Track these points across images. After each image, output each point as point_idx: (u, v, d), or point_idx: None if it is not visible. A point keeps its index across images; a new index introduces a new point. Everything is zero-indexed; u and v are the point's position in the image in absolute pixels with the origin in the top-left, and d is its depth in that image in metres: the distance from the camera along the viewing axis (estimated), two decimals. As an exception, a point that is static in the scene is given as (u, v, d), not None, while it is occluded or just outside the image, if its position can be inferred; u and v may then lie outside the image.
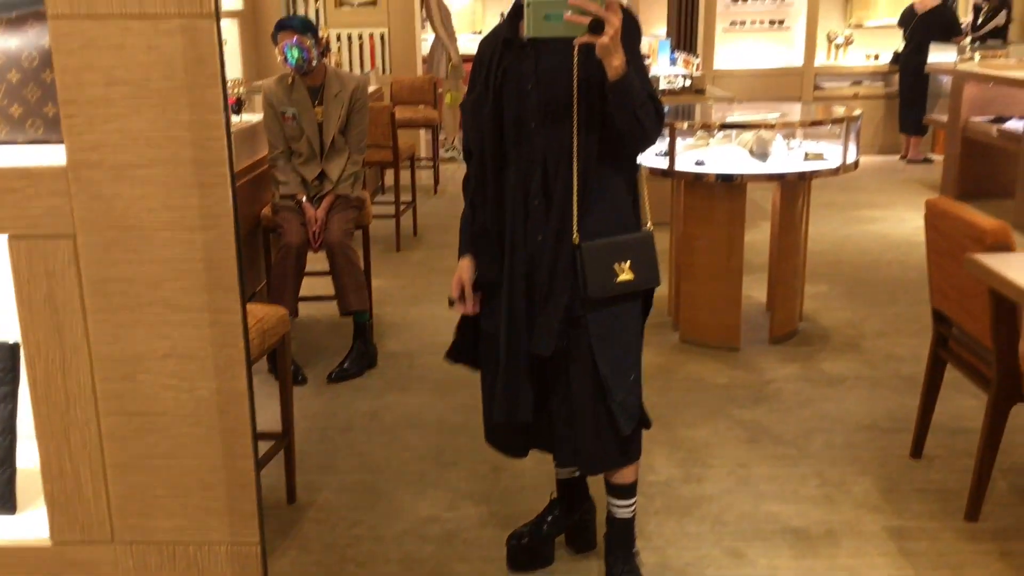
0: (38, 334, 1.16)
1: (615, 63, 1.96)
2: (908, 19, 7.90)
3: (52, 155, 1.17)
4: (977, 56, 6.91)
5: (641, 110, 2.03)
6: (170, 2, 1.01)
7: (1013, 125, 6.14)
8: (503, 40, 2.19)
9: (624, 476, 2.37)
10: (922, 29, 7.72)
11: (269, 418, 3.29)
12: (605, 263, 2.15)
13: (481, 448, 3.16)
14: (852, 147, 3.98)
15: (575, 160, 2.11)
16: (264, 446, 2.90)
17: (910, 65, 7.82)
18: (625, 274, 2.16)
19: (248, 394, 1.14)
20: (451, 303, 2.44)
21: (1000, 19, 7.78)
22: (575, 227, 2.14)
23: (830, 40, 8.50)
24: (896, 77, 8.22)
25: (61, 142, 1.20)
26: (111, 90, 1.05)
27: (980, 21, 7.83)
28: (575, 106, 2.09)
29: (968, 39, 7.80)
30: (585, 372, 2.20)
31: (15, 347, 1.27)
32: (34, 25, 1.26)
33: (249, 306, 2.83)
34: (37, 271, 1.14)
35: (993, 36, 7.79)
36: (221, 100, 1.04)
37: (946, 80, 7.19)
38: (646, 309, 2.32)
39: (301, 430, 3.33)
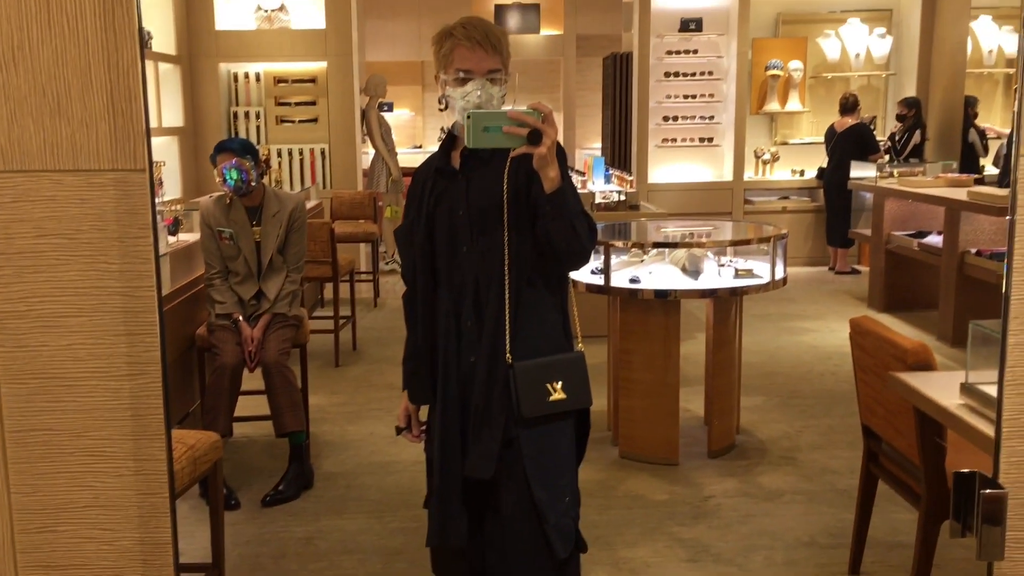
0: (-45, 485, 1.12)
1: (551, 174, 2.02)
2: (829, 137, 8.30)
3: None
4: (896, 173, 7.26)
5: (577, 221, 2.08)
6: (103, 158, 1.04)
7: (932, 240, 6.42)
8: (435, 169, 2.27)
9: None
10: (841, 147, 8.10)
11: (199, 547, 3.19)
12: (538, 383, 2.16)
13: (422, 573, 3.10)
14: (780, 264, 4.12)
15: (507, 280, 2.16)
16: (194, 578, 2.81)
17: (833, 180, 8.18)
18: (557, 394, 2.18)
19: (173, 544, 1.12)
20: (399, 431, 2.48)
21: (916, 138, 8.22)
22: (507, 347, 2.17)
23: (757, 156, 8.86)
24: (821, 192, 8.57)
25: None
26: (41, 242, 1.06)
27: (900, 140, 8.25)
28: (505, 227, 2.15)
29: (886, 158, 8.20)
30: (519, 494, 2.19)
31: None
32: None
33: (181, 432, 2.78)
34: (-44, 421, 1.11)
35: (912, 155, 8.20)
36: (152, 250, 1.06)
37: (869, 196, 7.51)
38: (584, 431, 2.33)
39: (232, 557, 3.23)
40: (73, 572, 1.13)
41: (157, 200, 4.77)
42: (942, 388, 2.43)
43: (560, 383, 2.18)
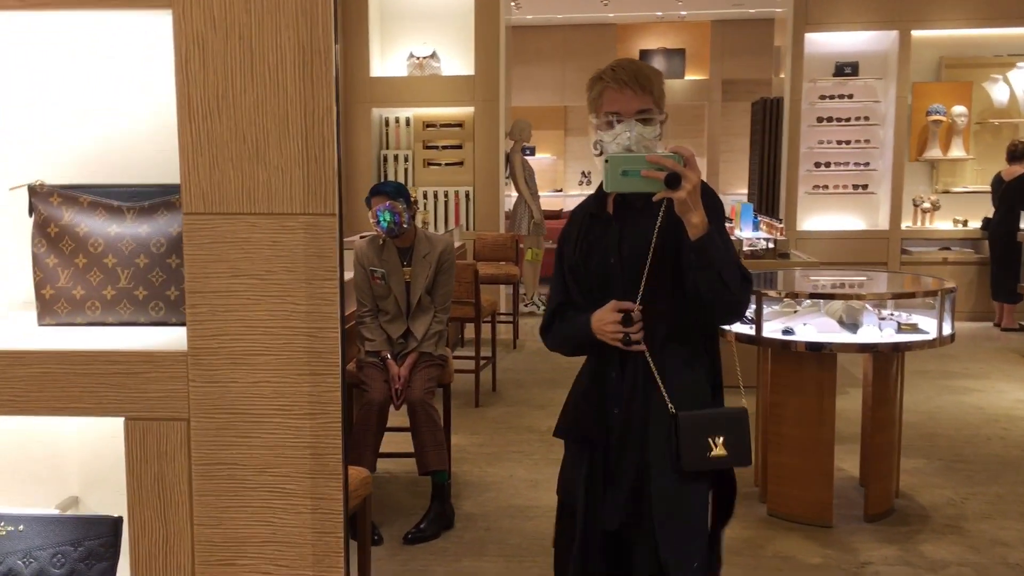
0: (145, 512, 1.17)
1: (695, 220, 1.96)
2: (997, 186, 7.86)
3: (172, 337, 1.22)
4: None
5: (726, 271, 2.00)
6: (296, 202, 1.07)
7: (1113, 296, 5.95)
8: (589, 213, 2.25)
9: None
10: (1010, 196, 7.66)
11: (344, 581, 3.23)
12: (700, 436, 2.09)
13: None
14: (948, 319, 3.89)
15: (649, 333, 2.11)
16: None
17: (1000, 232, 7.72)
18: (719, 449, 2.10)
19: (344, 584, 1.13)
20: (627, 341, 2.13)
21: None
22: (667, 397, 2.11)
23: (916, 205, 8.48)
24: (986, 243, 8.11)
25: (180, 323, 1.26)
26: (235, 282, 1.10)
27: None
28: (645, 277, 2.09)
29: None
30: (646, 553, 2.12)
31: (118, 521, 1.28)
32: (164, 214, 1.34)
33: (333, 466, 2.84)
34: (150, 452, 1.16)
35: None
36: (337, 293, 1.08)
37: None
38: (729, 491, 2.22)
39: (376, 594, 3.26)
40: (249, 607, 1.16)
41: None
42: None
43: (722, 439, 2.10)
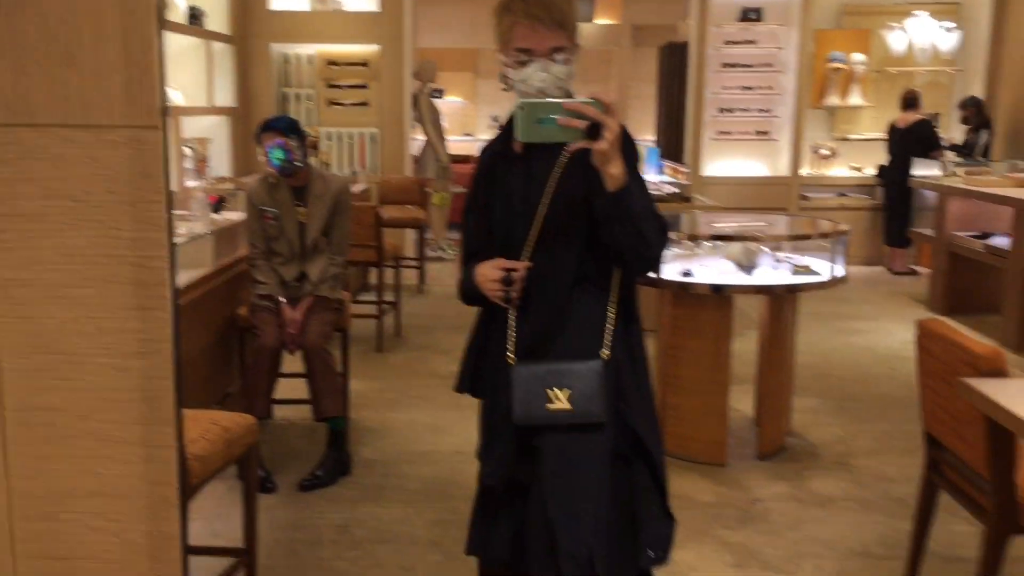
0: (-46, 464, 1.05)
1: (614, 171, 1.84)
2: (891, 134, 8.03)
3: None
4: (962, 172, 7.00)
5: (645, 223, 1.90)
6: (115, 112, 0.94)
7: (998, 241, 6.17)
8: (496, 152, 2.13)
9: None
10: (903, 144, 7.84)
11: (233, 528, 3.13)
12: (535, 387, 1.96)
13: (457, 566, 3.01)
14: (840, 261, 3.94)
15: (536, 279, 2.02)
16: (225, 563, 2.75)
17: (894, 179, 7.92)
18: (560, 403, 1.96)
19: (181, 538, 1.03)
20: (507, 299, 2.06)
21: (984, 137, 7.92)
22: (513, 347, 2.02)
23: (815, 152, 8.62)
24: (880, 190, 8.31)
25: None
26: (48, 204, 0.97)
27: (972, 141, 7.97)
28: (544, 222, 2.00)
29: (950, 155, 7.92)
30: (536, 512, 1.99)
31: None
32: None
33: (216, 414, 2.71)
34: (-45, 396, 1.04)
35: (981, 154, 7.91)
36: (165, 216, 0.96)
37: (931, 195, 7.26)
38: (650, 460, 2.08)
39: (267, 542, 3.17)
40: (75, 564, 1.05)
41: (203, 180, 4.75)
42: (1016, 396, 2.27)
43: (567, 392, 1.96)
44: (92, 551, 1.05)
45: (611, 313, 2.07)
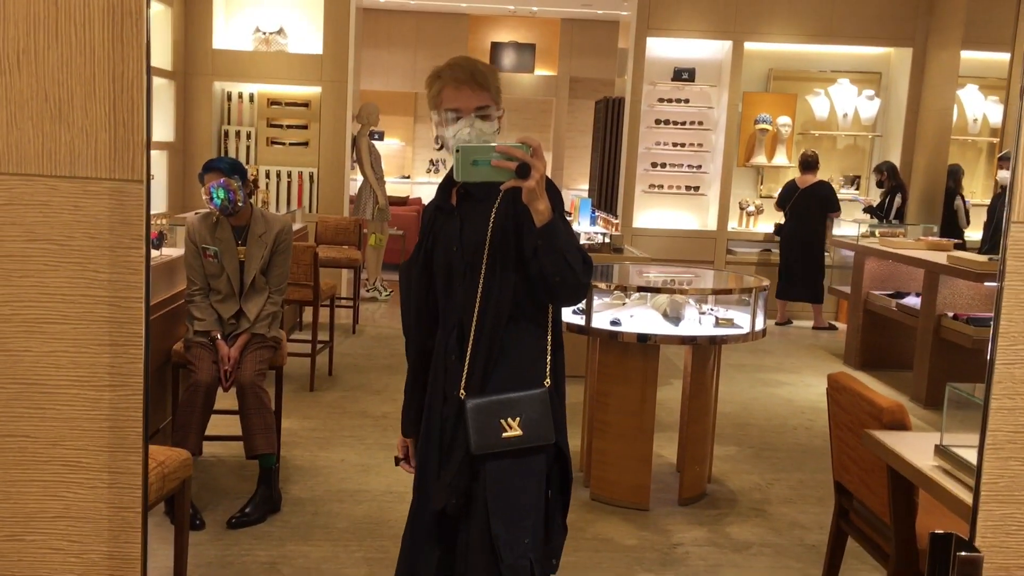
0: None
1: (541, 207, 2.03)
2: (790, 194, 8.33)
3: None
4: (877, 233, 7.35)
5: (570, 255, 2.07)
6: (101, 166, 1.03)
7: (910, 301, 6.49)
8: (435, 206, 2.31)
9: None
10: (804, 203, 8.16)
11: (161, 566, 3.14)
12: (492, 419, 2.14)
13: (382, 607, 3.06)
14: (760, 315, 4.14)
15: (476, 318, 2.17)
16: (152, 597, 2.76)
17: (797, 237, 8.21)
18: (513, 431, 2.15)
19: (142, 561, 1.10)
20: (397, 462, 2.49)
21: (897, 201, 8.32)
22: (463, 384, 2.17)
23: (742, 208, 8.95)
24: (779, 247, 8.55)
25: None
26: (31, 246, 1.05)
27: (884, 204, 8.36)
28: (483, 264, 2.17)
29: (869, 216, 8.31)
30: (479, 531, 2.17)
31: None
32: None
33: (152, 448, 2.74)
34: (-69, 421, 1.10)
35: (895, 217, 8.30)
36: (143, 262, 1.05)
37: (849, 254, 7.60)
38: (566, 477, 2.29)
39: (194, 579, 3.18)
40: (38, 584, 1.11)
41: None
42: (916, 449, 2.45)
43: (518, 419, 2.15)
44: (54, 571, 1.11)
45: (547, 344, 2.24)
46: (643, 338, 3.94)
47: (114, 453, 1.08)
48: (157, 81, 7.20)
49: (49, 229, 1.06)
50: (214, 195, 3.77)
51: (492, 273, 2.18)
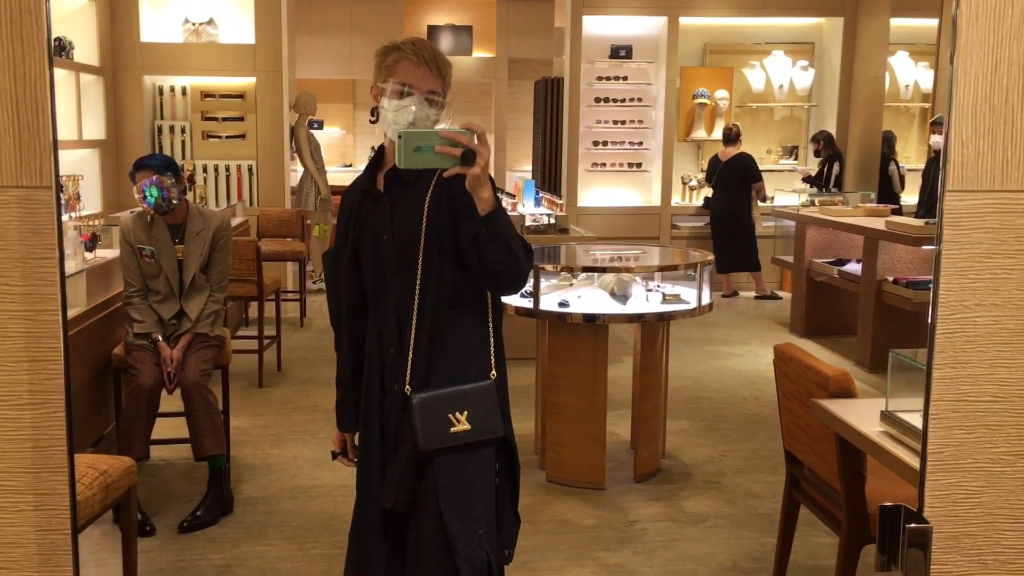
0: None
1: (485, 195, 1.98)
2: (714, 167, 8.44)
3: None
4: (817, 202, 7.45)
5: (513, 242, 2.05)
6: (7, 174, 0.98)
7: (852, 268, 6.59)
8: (361, 191, 2.24)
9: None
10: (728, 175, 8.26)
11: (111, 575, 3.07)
12: (439, 414, 2.11)
13: (340, 605, 3.03)
14: (706, 289, 4.16)
15: (416, 309, 2.13)
16: (103, 610, 2.69)
17: (725, 209, 8.30)
18: (461, 425, 2.12)
19: (74, 583, 1.06)
20: (334, 456, 2.44)
21: (836, 169, 8.45)
22: (407, 378, 2.14)
23: (684, 183, 9.01)
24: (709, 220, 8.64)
25: None
26: (-63, 261, 1.00)
27: (823, 173, 8.47)
28: (420, 255, 2.12)
29: (808, 186, 8.42)
30: (431, 525, 2.14)
31: None
32: None
33: (93, 457, 2.67)
34: None
35: (833, 185, 8.43)
36: (57, 272, 1.00)
37: (788, 223, 7.69)
38: (513, 463, 2.27)
39: (146, 588, 3.11)
40: (-36, 614, 1.06)
41: (74, 214, 4.63)
42: (862, 415, 2.47)
43: (466, 413, 2.12)
44: (-19, 601, 1.06)
45: (489, 333, 2.22)
46: (591, 318, 3.93)
47: (39, 474, 1.04)
48: (85, 78, 6.99)
49: (-44, 242, 1.00)
50: (147, 194, 3.67)
51: (430, 262, 2.13)
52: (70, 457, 1.03)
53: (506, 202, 6.46)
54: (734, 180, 8.17)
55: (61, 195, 4.61)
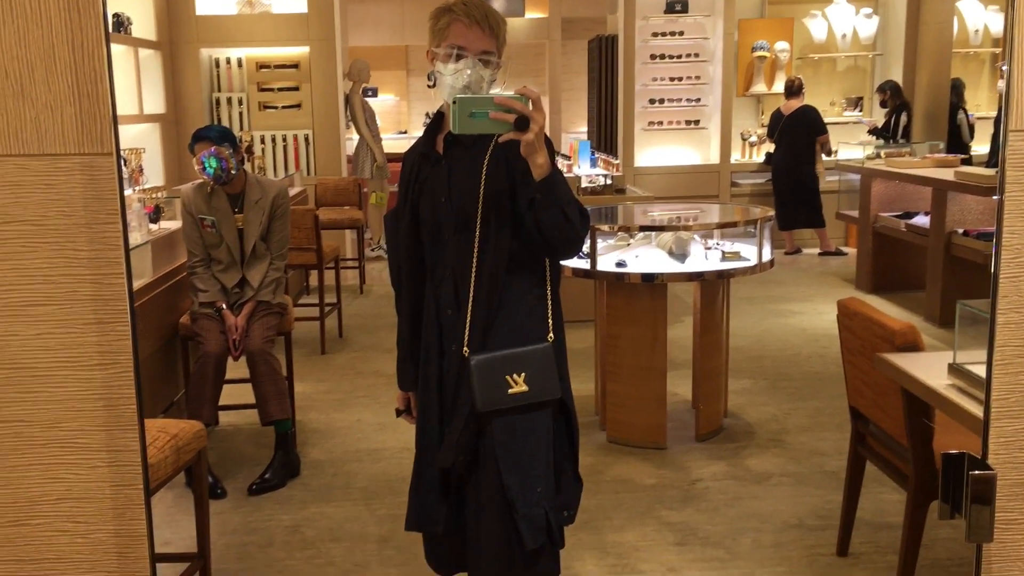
0: (-76, 478, 1.10)
1: (540, 160, 1.97)
2: (776, 121, 8.24)
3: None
4: (883, 154, 7.26)
5: (568, 208, 2.03)
6: (69, 141, 1.01)
7: (920, 220, 6.42)
8: (420, 153, 2.25)
9: None
10: (791, 130, 8.07)
11: (185, 536, 3.17)
12: (497, 376, 2.12)
13: (407, 561, 3.09)
14: (767, 246, 4.10)
15: (473, 271, 2.14)
16: (179, 568, 2.79)
17: (785, 164, 8.13)
18: (519, 386, 2.13)
19: (148, 535, 1.10)
20: (398, 414, 2.50)
21: (903, 120, 8.22)
22: (466, 340, 2.15)
23: (744, 139, 8.85)
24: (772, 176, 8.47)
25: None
26: (6, 228, 1.03)
27: (892, 123, 8.25)
28: (479, 218, 2.13)
29: (874, 138, 8.21)
30: (490, 484, 2.16)
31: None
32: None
33: (163, 421, 2.75)
34: (-77, 414, 1.09)
35: (901, 136, 8.21)
36: (121, 237, 1.03)
37: (853, 177, 7.52)
38: (572, 425, 2.27)
39: (219, 547, 3.21)
40: (47, 566, 1.11)
41: (137, 188, 4.73)
42: (930, 369, 2.43)
43: (524, 375, 2.13)
44: (62, 553, 1.11)
45: (547, 299, 2.22)
46: (649, 277, 3.91)
47: (111, 432, 1.07)
48: (143, 53, 7.11)
49: (22, 210, 1.04)
50: (206, 164, 3.74)
51: (487, 225, 2.13)
52: (140, 414, 1.06)
53: (561, 164, 6.42)
54: (798, 134, 8.00)
55: (124, 168, 4.72)
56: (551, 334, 2.21)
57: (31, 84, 1.01)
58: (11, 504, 1.10)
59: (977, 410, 2.17)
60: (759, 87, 8.81)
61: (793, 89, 8.06)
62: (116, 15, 6.49)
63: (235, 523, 3.45)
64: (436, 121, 2.26)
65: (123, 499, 1.09)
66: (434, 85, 2.16)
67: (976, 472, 1.06)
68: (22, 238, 1.05)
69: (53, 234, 1.05)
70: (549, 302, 2.23)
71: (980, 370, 2.26)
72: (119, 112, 5.31)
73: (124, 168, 4.64)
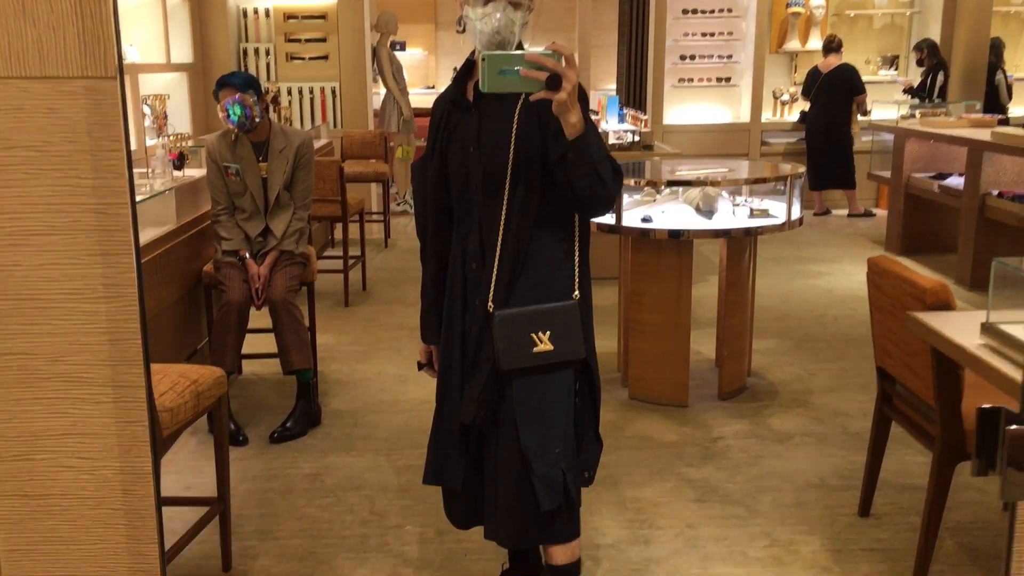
0: (-72, 410, 1.08)
1: (572, 120, 1.91)
2: (813, 80, 8.05)
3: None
4: (918, 114, 7.09)
5: (601, 166, 1.98)
6: (72, 63, 0.97)
7: (953, 182, 6.28)
8: (450, 101, 2.19)
9: (556, 556, 2.21)
10: (828, 88, 7.89)
11: (207, 481, 3.19)
12: (521, 333, 2.07)
13: (426, 511, 3.09)
14: (796, 204, 4.02)
15: (501, 225, 2.09)
16: (199, 512, 2.81)
17: (821, 123, 7.95)
18: (544, 345, 2.08)
19: (154, 473, 1.08)
20: (420, 367, 2.47)
21: (940, 79, 8.02)
22: (491, 295, 2.11)
23: (776, 97, 8.68)
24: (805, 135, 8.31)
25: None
26: (8, 154, 1.00)
27: (928, 83, 8.05)
28: (509, 171, 2.07)
29: (909, 97, 8.02)
30: (509, 443, 2.13)
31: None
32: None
33: (184, 367, 2.75)
34: (-75, 343, 1.07)
35: (938, 96, 8.01)
36: (125, 164, 1.00)
37: (887, 137, 7.36)
38: (593, 384, 2.24)
39: (240, 493, 3.23)
40: (51, 501, 1.10)
41: (162, 137, 4.71)
42: (961, 328, 2.36)
43: (548, 333, 2.08)
44: (67, 488, 1.09)
45: (575, 255, 2.16)
46: (675, 234, 3.85)
47: (116, 367, 1.05)
48: (171, 1, 7.06)
49: (25, 135, 1.00)
50: (230, 112, 3.70)
51: (516, 178, 2.08)
52: (145, 350, 1.04)
53: (589, 118, 6.31)
54: (836, 92, 7.82)
55: (147, 112, 4.69)
56: (577, 291, 2.16)
57: (33, 2, 0.97)
58: (16, 438, 1.09)
59: (1011, 371, 2.11)
60: (793, 44, 8.61)
61: (832, 46, 7.87)
62: (142, -38, 6.43)
63: (256, 470, 3.46)
64: (466, 67, 2.19)
65: (129, 436, 1.07)
66: (463, 30, 2.10)
67: (1013, 427, 1.01)
68: (25, 164, 1.02)
69: (57, 161, 1.02)
70: (577, 259, 2.17)
71: (1014, 329, 2.20)
72: (149, 60, 5.24)
73: (148, 114, 4.62)
